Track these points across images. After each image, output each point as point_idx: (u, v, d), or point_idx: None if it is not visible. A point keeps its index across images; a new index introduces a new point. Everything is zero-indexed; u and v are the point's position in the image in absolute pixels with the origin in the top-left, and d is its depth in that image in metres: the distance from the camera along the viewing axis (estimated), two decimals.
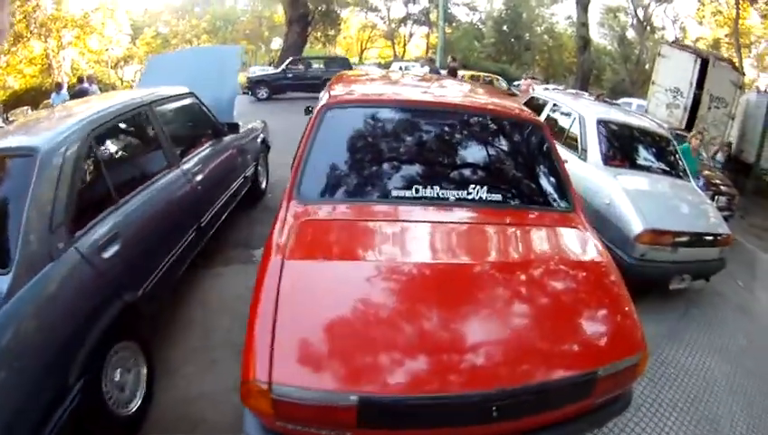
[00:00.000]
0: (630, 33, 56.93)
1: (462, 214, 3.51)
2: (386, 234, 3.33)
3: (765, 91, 18.30)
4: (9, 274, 2.73)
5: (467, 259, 3.18)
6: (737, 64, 21.56)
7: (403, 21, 63.69)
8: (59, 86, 17.95)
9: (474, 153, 4.13)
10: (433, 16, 57.87)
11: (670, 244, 5.91)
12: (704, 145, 13.82)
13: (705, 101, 15.35)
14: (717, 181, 10.52)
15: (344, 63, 25.92)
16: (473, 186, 3.65)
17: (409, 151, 3.98)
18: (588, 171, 7.02)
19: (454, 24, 59.36)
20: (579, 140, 7.64)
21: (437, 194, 3.55)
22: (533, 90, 14.30)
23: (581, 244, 3.50)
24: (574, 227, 3.61)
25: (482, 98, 4.91)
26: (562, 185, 3.97)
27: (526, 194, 4.01)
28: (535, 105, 9.61)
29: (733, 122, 16.26)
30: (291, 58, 26.58)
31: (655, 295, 6.35)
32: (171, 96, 5.86)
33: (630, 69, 53.90)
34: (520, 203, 3.86)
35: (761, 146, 15.24)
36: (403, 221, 3.37)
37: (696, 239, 6.11)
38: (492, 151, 4.20)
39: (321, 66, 26.32)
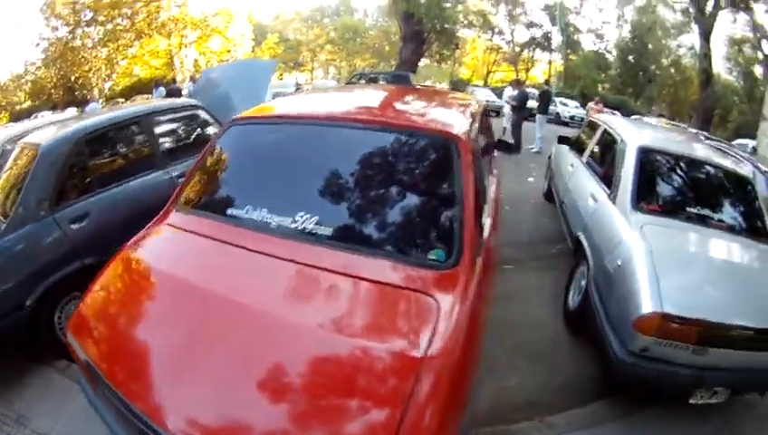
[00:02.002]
0: (758, 70, 50.87)
1: (297, 250, 3.08)
2: (208, 255, 3.30)
3: None
4: (4, 224, 4.62)
5: (255, 302, 2.81)
6: None
7: (526, 45, 64.01)
8: (157, 83, 21.22)
9: (350, 178, 3.55)
10: (555, 42, 58.48)
11: (695, 340, 4.03)
12: None
13: None
14: None
15: (405, 80, 24.39)
16: (328, 218, 3.27)
17: (285, 173, 3.74)
18: (610, 216, 5.65)
19: (578, 52, 59.74)
20: (613, 174, 6.21)
21: (283, 223, 3.28)
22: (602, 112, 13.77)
23: (417, 319, 2.65)
24: (430, 295, 2.74)
25: (404, 110, 4.59)
26: (453, 228, 3.13)
27: (393, 236, 3.24)
28: (589, 131, 9.02)
29: None
30: (355, 72, 28.38)
31: None
32: (172, 108, 7.13)
33: (756, 108, 50.58)
34: (379, 248, 3.13)
35: None
36: (235, 246, 3.21)
37: (749, 337, 4.14)
38: (372, 176, 3.59)
39: (380, 80, 25.19)
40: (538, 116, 18.69)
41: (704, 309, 4.07)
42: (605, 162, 7.02)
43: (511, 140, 17.73)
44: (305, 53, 71.80)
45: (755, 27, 45.47)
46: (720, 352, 4.07)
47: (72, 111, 19.42)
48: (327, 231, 3.14)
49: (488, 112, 7.26)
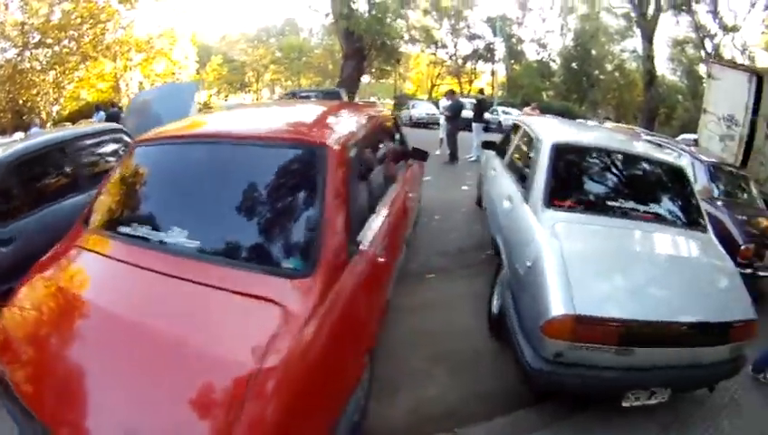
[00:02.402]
0: (702, 68, 52.00)
1: (168, 263, 3.11)
2: (99, 271, 3.41)
3: None
4: None
5: (123, 314, 2.89)
6: None
7: (469, 57, 64.65)
8: (98, 107, 21.04)
9: (219, 192, 3.58)
10: (498, 53, 59.27)
11: (616, 340, 3.81)
12: (761, 182, 12.47)
13: (761, 129, 12.71)
14: (766, 229, 8.45)
15: (336, 96, 26.86)
16: (198, 232, 3.26)
17: (167, 190, 3.81)
18: (524, 216, 5.38)
19: (521, 62, 61.00)
20: (528, 173, 5.98)
21: (159, 239, 3.32)
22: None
23: (264, 327, 2.64)
24: (283, 304, 2.74)
25: (282, 122, 4.54)
26: (311, 237, 3.13)
27: (252, 247, 3.27)
28: (513, 135, 8.70)
29: None
30: (287, 92, 27.36)
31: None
32: (96, 132, 7.38)
33: (699, 105, 51.32)
34: (239, 258, 3.16)
35: None
36: (119, 261, 3.30)
37: (682, 333, 3.98)
38: (238, 189, 3.53)
39: (312, 98, 25.42)
40: (474, 124, 18.70)
41: (622, 307, 3.90)
42: (522, 163, 6.88)
43: (440, 151, 17.99)
44: (250, 73, 71.90)
45: (698, 27, 46.45)
46: (649, 351, 3.93)
47: (19, 135, 18.89)
48: (195, 244, 3.17)
49: (395, 122, 7.41)
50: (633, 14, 46.54)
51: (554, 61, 62.78)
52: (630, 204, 5.27)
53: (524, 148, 7.07)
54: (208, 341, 2.60)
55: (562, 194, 5.28)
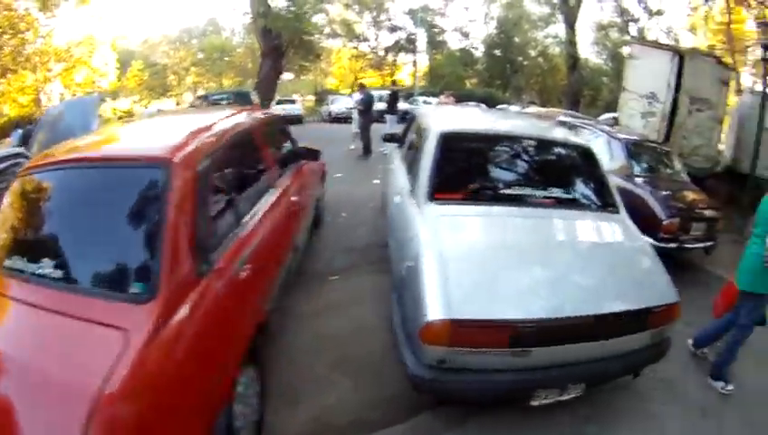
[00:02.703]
0: (626, 50, 53.91)
1: (32, 292, 3.01)
2: None
3: (754, 91, 15.67)
4: None
5: None
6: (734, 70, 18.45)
7: (390, 49, 64.43)
8: (18, 125, 20.75)
9: (71, 218, 3.42)
10: (421, 44, 59.42)
11: (507, 342, 3.51)
12: (685, 155, 12.90)
13: (683, 104, 13.10)
14: (692, 202, 8.46)
15: (245, 97, 27.76)
16: (59, 260, 3.12)
17: (37, 219, 3.61)
18: (409, 211, 4.96)
19: (443, 51, 61.24)
20: (416, 166, 5.56)
21: (31, 269, 3.13)
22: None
23: (105, 353, 2.54)
24: (124, 329, 2.66)
25: (135, 138, 4.51)
26: (151, 261, 2.98)
27: (97, 272, 3.08)
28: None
29: (721, 127, 14.25)
30: (197, 96, 28.88)
31: None
32: None
33: None
34: (84, 284, 3.02)
35: (756, 152, 12.76)
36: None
37: (590, 327, 3.67)
38: (85, 214, 3.39)
39: (227, 101, 27.45)
40: (387, 116, 18.73)
41: (511, 307, 3.61)
42: (413, 155, 6.39)
43: (354, 145, 18.25)
44: (172, 76, 69.89)
45: (622, 12, 47.68)
46: (550, 350, 3.65)
47: None
48: (57, 273, 3.01)
49: (279, 124, 7.33)
50: (555, 1, 47.54)
51: (477, 49, 63.33)
52: (529, 190, 5.04)
53: (416, 139, 6.60)
54: (53, 368, 2.52)
55: (449, 186, 4.92)
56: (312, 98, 51.50)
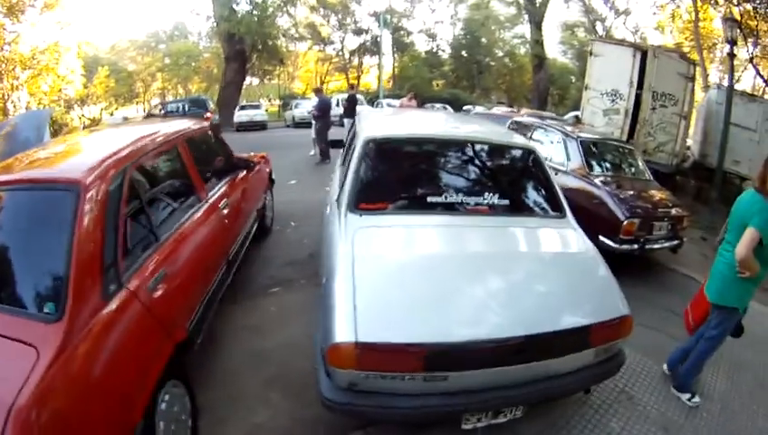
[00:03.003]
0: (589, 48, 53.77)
1: None
2: None
3: (721, 86, 15.67)
4: None
5: None
6: (698, 65, 18.37)
7: (355, 52, 64.15)
8: None
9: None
10: (387, 46, 58.69)
11: (421, 367, 3.19)
12: (650, 152, 13.11)
13: (646, 100, 13.02)
14: (654, 200, 8.19)
15: (202, 104, 28.00)
16: None
17: None
18: (333, 223, 4.65)
19: (408, 53, 61.33)
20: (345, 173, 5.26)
21: None
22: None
23: (13, 371, 2.57)
24: (34, 346, 2.68)
25: (52, 156, 4.40)
26: (61, 277, 2.97)
27: (20, 291, 3.08)
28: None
29: (687, 123, 13.97)
30: (154, 103, 27.51)
31: None
32: None
33: None
34: (7, 303, 2.96)
35: (723, 146, 12.34)
36: None
37: (519, 349, 3.30)
38: (13, 234, 3.37)
39: (183, 109, 27.79)
40: (345, 120, 18.13)
41: (425, 330, 3.27)
42: (346, 163, 6.03)
43: (314, 151, 17.78)
44: (139, 83, 69.53)
45: (588, 11, 47.39)
46: (471, 374, 3.30)
47: None
48: None
49: (212, 135, 6.99)
50: (521, 1, 47.14)
51: (444, 51, 63.45)
52: (463, 197, 4.63)
53: (350, 145, 6.25)
54: None
55: (375, 195, 4.60)
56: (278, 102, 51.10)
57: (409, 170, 5.14)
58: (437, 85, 58.26)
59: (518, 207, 4.82)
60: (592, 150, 8.78)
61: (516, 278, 3.87)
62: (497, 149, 5.42)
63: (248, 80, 56.06)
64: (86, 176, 3.37)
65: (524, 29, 53.90)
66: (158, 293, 3.63)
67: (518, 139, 5.87)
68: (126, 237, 3.56)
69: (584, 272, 4.10)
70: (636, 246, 7.41)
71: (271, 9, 38.64)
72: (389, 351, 3.15)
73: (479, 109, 29.15)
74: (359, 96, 33.36)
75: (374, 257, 3.83)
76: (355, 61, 65.52)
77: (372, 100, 39.67)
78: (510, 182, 5.20)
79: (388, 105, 36.01)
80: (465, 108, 32.79)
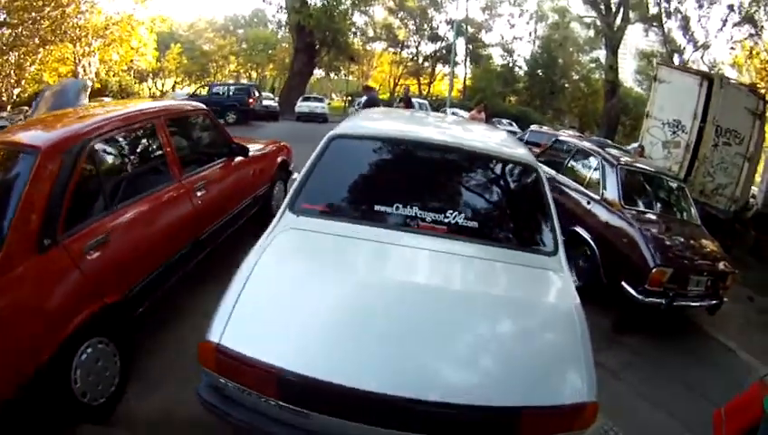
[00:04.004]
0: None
1: None
2: None
3: None
4: None
5: None
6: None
7: (428, 58, 63.76)
8: (37, 94, 20.54)
9: None
10: (459, 56, 58.48)
11: (275, 393, 2.82)
12: (707, 194, 11.98)
13: (708, 134, 11.73)
14: (696, 249, 7.08)
15: (245, 91, 29.93)
16: None
17: None
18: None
19: (482, 65, 60.69)
20: None
21: None
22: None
23: None
24: None
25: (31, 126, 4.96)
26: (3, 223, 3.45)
27: None
28: None
29: (752, 166, 12.38)
30: (202, 84, 29.49)
31: None
32: None
33: None
34: None
35: None
36: None
37: (403, 411, 2.63)
38: None
39: (227, 93, 30.00)
40: None
41: (287, 353, 2.80)
42: None
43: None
44: (212, 63, 70.97)
45: (666, 42, 45.37)
46: (337, 422, 2.72)
47: None
48: None
49: (193, 118, 6.68)
50: (598, 23, 46.01)
51: (520, 67, 62.40)
52: (416, 211, 3.88)
53: None
54: None
55: (320, 196, 4.12)
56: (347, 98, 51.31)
57: (369, 173, 4.51)
58: (510, 101, 57.45)
59: (490, 234, 4.04)
60: (634, 182, 7.81)
61: (444, 323, 3.04)
62: (484, 161, 4.56)
63: (320, 72, 57.32)
64: (45, 143, 3.87)
65: (602, 54, 52.43)
66: (94, 255, 3.92)
67: (517, 151, 4.89)
68: (74, 202, 3.83)
69: (549, 333, 3.23)
70: (663, 301, 6.32)
71: (343, 6, 38.50)
72: (244, 364, 2.82)
73: (545, 129, 28.18)
74: (422, 101, 32.89)
75: (278, 263, 3.48)
76: (428, 67, 65.05)
77: (437, 107, 38.94)
78: (490, 202, 4.40)
79: (452, 114, 35.35)
80: (532, 127, 32.02)
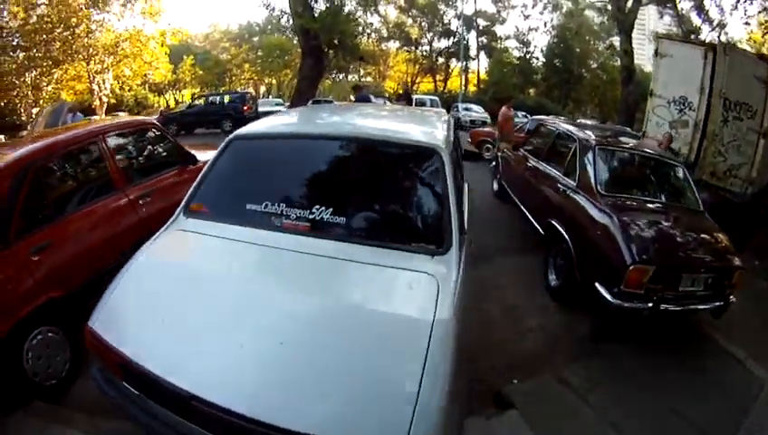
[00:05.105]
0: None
1: None
2: None
3: None
4: None
5: None
6: None
7: (441, 53, 63.30)
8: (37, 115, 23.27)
9: None
10: (473, 50, 59.36)
11: (120, 374, 3.03)
12: (719, 176, 10.74)
13: (716, 109, 10.46)
14: (690, 241, 5.94)
15: (242, 99, 31.00)
16: None
17: None
18: None
19: (496, 58, 59.69)
20: None
21: None
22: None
23: None
24: None
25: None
26: None
27: None
28: None
29: (765, 141, 10.62)
30: (198, 94, 29.62)
31: None
32: None
33: None
34: None
35: None
36: None
37: (219, 423, 2.55)
38: None
39: (221, 102, 31.06)
40: None
41: (132, 341, 2.98)
42: None
43: None
44: (228, 72, 71.55)
45: (681, 22, 44.18)
46: (169, 416, 2.79)
47: None
48: None
49: (136, 132, 6.97)
50: (609, 7, 44.91)
51: (537, 59, 61.47)
52: (283, 208, 3.70)
53: None
54: None
55: (210, 198, 4.09)
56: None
57: (258, 173, 4.29)
58: (529, 94, 56.49)
59: (361, 231, 3.64)
60: (618, 166, 6.85)
61: (274, 336, 2.82)
62: (378, 149, 4.17)
63: (338, 75, 59.31)
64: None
65: (618, 40, 51.20)
66: (38, 257, 4.53)
67: (420, 135, 4.32)
68: (23, 214, 4.48)
69: (384, 360, 2.67)
70: (646, 305, 5.26)
71: (348, 7, 38.05)
72: (105, 347, 3.04)
73: (550, 118, 27.43)
74: (433, 98, 32.44)
75: (151, 262, 3.58)
76: (442, 64, 64.65)
77: (449, 105, 38.27)
78: (373, 194, 3.95)
79: (465, 109, 35.94)
80: (533, 117, 31.74)
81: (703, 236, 6.03)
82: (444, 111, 7.78)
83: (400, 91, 18.24)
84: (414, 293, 3.04)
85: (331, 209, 3.57)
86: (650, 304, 5.21)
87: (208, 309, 3.04)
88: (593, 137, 7.17)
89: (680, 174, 7.17)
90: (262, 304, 3.03)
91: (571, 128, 8.25)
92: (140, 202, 6.09)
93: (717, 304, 5.63)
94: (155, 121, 7.51)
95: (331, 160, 4.17)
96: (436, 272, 3.15)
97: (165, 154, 7.18)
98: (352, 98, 17.95)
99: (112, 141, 6.09)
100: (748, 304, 6.40)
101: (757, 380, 5.22)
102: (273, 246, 3.43)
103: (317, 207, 3.60)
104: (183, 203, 4.07)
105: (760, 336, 6.16)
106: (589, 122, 27.54)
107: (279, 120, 5.54)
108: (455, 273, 3.19)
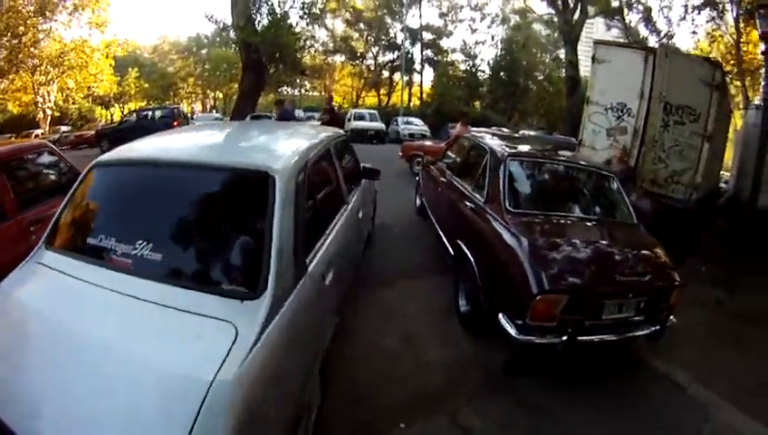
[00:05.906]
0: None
1: None
2: None
3: (759, 106, 11.70)
4: None
5: None
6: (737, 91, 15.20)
7: (384, 67, 63.98)
8: None
9: None
10: (417, 64, 60.54)
11: None
12: (660, 184, 10.10)
13: (656, 114, 9.86)
14: (623, 260, 5.13)
15: (171, 113, 29.68)
16: None
17: None
18: None
19: (440, 71, 60.50)
20: None
21: None
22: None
23: None
24: None
25: None
26: None
27: None
28: None
29: (708, 144, 10.14)
30: (131, 111, 30.90)
31: None
32: None
33: None
34: None
35: (755, 176, 9.49)
36: None
37: None
38: None
39: (153, 117, 29.69)
40: None
41: None
42: None
43: None
44: (172, 85, 70.81)
45: (629, 34, 44.93)
46: None
47: None
48: None
49: (31, 155, 6.86)
50: (555, 20, 45.70)
51: (483, 72, 62.06)
52: (113, 243, 3.34)
53: None
54: None
55: (66, 228, 3.84)
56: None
57: (105, 202, 4.03)
58: (474, 106, 56.67)
59: (175, 270, 3.24)
60: (533, 177, 6.17)
61: (60, 386, 2.55)
62: (209, 175, 3.75)
63: (285, 89, 58.34)
64: None
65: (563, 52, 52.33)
66: None
67: (256, 158, 3.90)
68: None
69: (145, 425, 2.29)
70: (559, 339, 4.49)
71: (291, 21, 37.71)
72: None
73: (505, 131, 27.10)
74: (371, 111, 32.59)
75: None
76: (387, 78, 65.13)
77: (389, 120, 38.53)
78: (194, 226, 3.54)
79: (405, 123, 36.53)
80: (449, 125, 32.49)
81: (635, 252, 5.26)
82: (334, 129, 7.04)
83: (325, 107, 17.41)
84: (200, 344, 2.62)
85: (151, 245, 3.24)
86: (565, 338, 4.45)
87: (13, 350, 2.92)
88: (507, 148, 6.39)
89: (611, 185, 6.40)
90: (50, 347, 2.81)
91: (486, 139, 7.41)
92: (31, 229, 5.83)
93: (653, 328, 4.95)
94: (48, 143, 7.27)
95: (163, 189, 3.78)
96: (239, 320, 2.74)
97: (60, 177, 6.93)
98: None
99: (11, 167, 6.01)
100: (694, 314, 5.91)
101: (703, 408, 4.60)
102: (93, 283, 3.15)
103: (140, 242, 3.27)
104: (45, 234, 3.82)
105: (706, 350, 5.60)
106: (532, 133, 27.01)
107: (143, 143, 4.80)
108: (263, 321, 2.77)
